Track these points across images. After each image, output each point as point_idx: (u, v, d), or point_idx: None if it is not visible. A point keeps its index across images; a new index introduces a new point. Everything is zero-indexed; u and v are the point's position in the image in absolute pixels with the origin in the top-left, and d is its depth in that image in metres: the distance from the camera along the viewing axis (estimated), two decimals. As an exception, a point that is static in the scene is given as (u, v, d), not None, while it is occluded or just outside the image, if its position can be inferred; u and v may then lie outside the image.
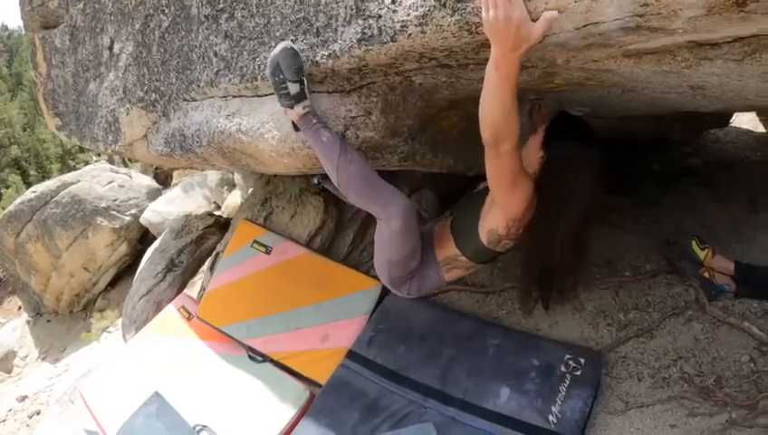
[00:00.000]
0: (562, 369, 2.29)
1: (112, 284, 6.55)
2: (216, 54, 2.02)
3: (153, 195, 6.67)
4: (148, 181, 6.87)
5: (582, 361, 2.32)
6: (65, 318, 6.72)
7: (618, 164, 3.77)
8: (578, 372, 2.28)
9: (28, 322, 7.57)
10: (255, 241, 3.13)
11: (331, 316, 2.77)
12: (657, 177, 3.86)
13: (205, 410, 2.75)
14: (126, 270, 6.46)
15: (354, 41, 1.46)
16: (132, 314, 3.94)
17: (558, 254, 1.86)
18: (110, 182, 6.45)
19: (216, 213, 5.35)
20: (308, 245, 3.10)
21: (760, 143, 4.34)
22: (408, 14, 1.30)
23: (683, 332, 2.45)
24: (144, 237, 6.42)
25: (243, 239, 3.18)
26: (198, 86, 2.17)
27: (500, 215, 1.81)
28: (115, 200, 6.31)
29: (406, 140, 1.98)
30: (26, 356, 6.89)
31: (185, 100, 2.35)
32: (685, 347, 2.38)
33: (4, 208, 8.84)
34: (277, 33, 1.72)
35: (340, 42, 1.50)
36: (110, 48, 2.77)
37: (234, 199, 5.66)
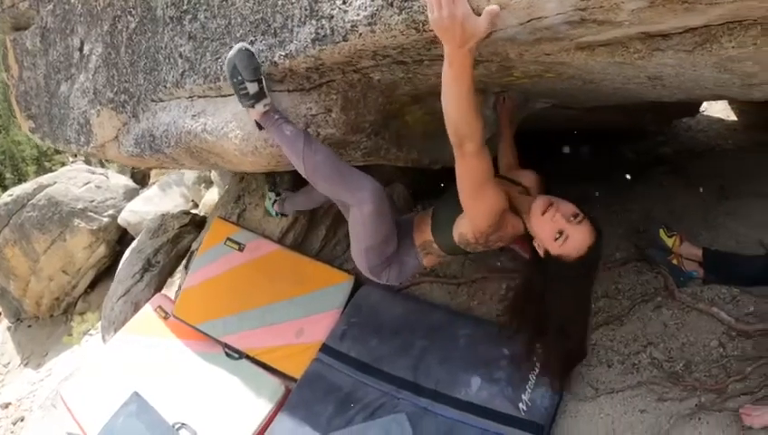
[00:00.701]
0: (533, 358, 2.33)
1: (92, 286, 6.57)
2: (180, 55, 2.07)
3: (130, 195, 6.68)
4: (125, 181, 6.86)
5: (552, 349, 2.39)
6: (46, 323, 6.74)
7: (592, 154, 3.87)
8: (548, 361, 2.34)
9: (9, 328, 7.55)
10: (229, 238, 3.20)
11: (305, 311, 2.86)
12: (629, 165, 3.95)
13: (183, 407, 2.83)
14: (105, 272, 6.48)
15: (309, 41, 1.52)
16: (111, 315, 3.99)
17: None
18: (87, 183, 6.44)
19: (194, 211, 5.40)
20: (281, 241, 3.18)
21: (731, 131, 4.46)
22: (358, 14, 1.36)
23: (652, 318, 2.54)
24: (122, 238, 6.41)
25: (216, 237, 3.25)
26: (165, 87, 2.21)
27: (467, 224, 1.83)
28: (92, 201, 6.31)
29: (369, 136, 2.05)
30: (8, 363, 6.88)
31: (153, 100, 2.38)
32: (654, 333, 2.48)
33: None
34: (238, 34, 1.78)
35: (295, 42, 1.56)
36: (81, 49, 2.79)
37: (211, 197, 5.71)
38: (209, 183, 6.17)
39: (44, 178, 6.61)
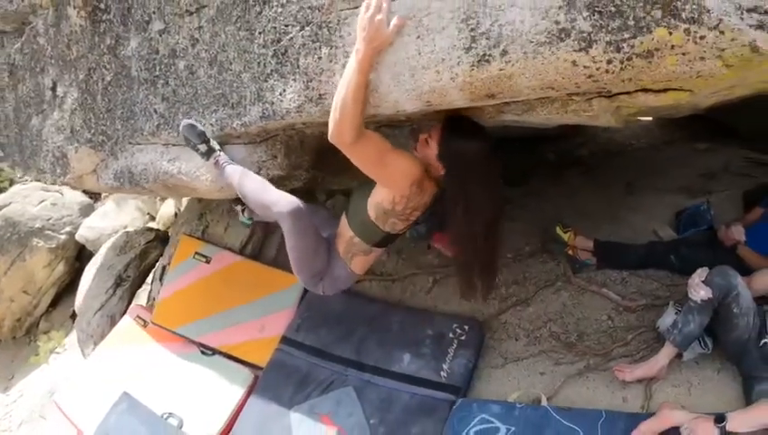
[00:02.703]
0: (450, 335, 3.20)
1: (53, 304, 6.95)
2: (155, 112, 2.72)
3: (86, 211, 7.15)
4: (80, 197, 7.14)
5: (466, 328, 3.23)
6: (9, 345, 7.02)
7: (513, 159, 4.68)
8: (463, 337, 3.19)
9: (-29, 354, 7.76)
10: (197, 253, 4.00)
11: (266, 310, 3.67)
12: (547, 168, 4.75)
13: (169, 400, 3.54)
14: (65, 289, 6.89)
15: (257, 117, 2.30)
16: (88, 329, 4.70)
17: (477, 248, 2.20)
18: (42, 201, 6.88)
19: (153, 225, 6.02)
20: (241, 252, 4.00)
21: (644, 130, 5.25)
22: (290, 105, 2.15)
23: (553, 299, 3.33)
24: (80, 254, 6.84)
25: (185, 252, 4.05)
26: (142, 134, 2.85)
27: (385, 190, 2.14)
28: (49, 219, 6.75)
29: (307, 170, 2.86)
30: (-26, 389, 7.11)
31: (130, 143, 2.99)
32: (554, 312, 3.26)
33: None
34: (204, 102, 2.50)
35: (248, 116, 2.34)
36: (53, 89, 3.28)
37: (167, 209, 6.20)
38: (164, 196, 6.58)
39: (-2, 200, 6.95)
